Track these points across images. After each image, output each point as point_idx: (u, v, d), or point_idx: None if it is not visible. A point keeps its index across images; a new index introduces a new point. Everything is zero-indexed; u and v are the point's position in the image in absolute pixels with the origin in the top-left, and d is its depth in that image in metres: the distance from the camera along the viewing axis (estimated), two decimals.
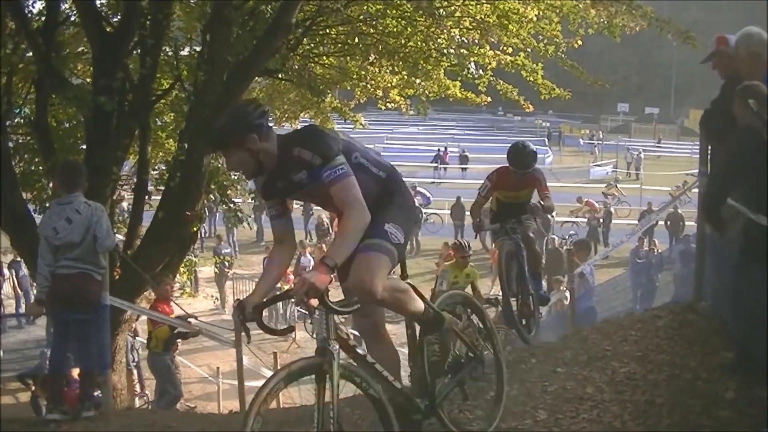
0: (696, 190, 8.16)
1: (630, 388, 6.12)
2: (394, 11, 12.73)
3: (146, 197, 11.81)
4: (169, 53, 12.25)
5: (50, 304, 8.02)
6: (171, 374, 12.41)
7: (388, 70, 14.07)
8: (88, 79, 12.00)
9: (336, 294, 4.46)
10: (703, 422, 5.28)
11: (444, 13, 12.58)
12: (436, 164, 51.62)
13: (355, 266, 4.68)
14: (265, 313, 4.91)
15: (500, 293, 9.79)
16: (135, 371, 15.48)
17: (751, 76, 6.67)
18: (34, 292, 11.63)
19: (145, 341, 13.21)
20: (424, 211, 34.88)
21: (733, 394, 5.59)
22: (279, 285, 23.78)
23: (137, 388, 15.81)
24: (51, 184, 8.93)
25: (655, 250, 22.86)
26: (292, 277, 24.35)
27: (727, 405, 5.46)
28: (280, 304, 23.73)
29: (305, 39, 12.78)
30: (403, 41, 13.03)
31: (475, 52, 13.25)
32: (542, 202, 9.41)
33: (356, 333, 5.40)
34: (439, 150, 53.79)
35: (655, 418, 5.46)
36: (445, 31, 12.70)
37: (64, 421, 7.86)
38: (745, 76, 6.74)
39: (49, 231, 7.84)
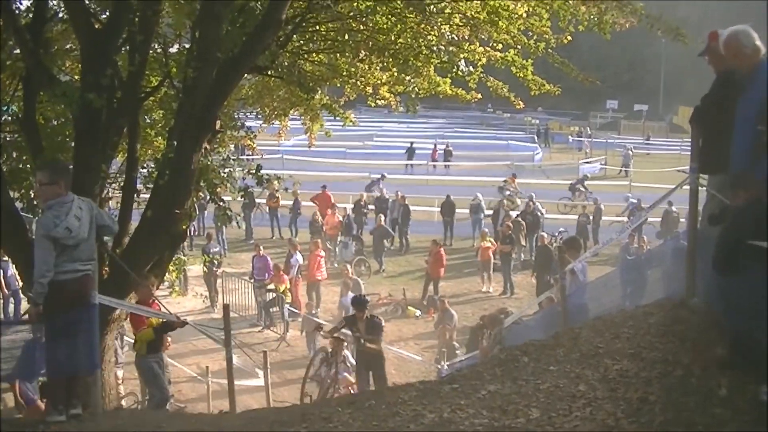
0: (687, 187, 8.16)
1: (623, 385, 6.11)
2: (384, 8, 12.66)
3: (135, 195, 11.74)
4: (159, 50, 12.19)
5: (49, 309, 7.92)
6: (156, 377, 12.30)
7: (378, 67, 14.02)
8: (77, 76, 11.92)
9: None
10: (696, 419, 5.27)
11: (434, 9, 12.55)
12: (407, 161, 51.91)
13: None
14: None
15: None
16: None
17: (740, 71, 6.78)
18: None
19: (132, 342, 13.16)
20: None
21: (727, 390, 5.58)
22: (273, 285, 23.95)
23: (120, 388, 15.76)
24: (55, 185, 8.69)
25: (645, 247, 22.94)
26: (285, 276, 24.50)
27: (720, 402, 5.44)
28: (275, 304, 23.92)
29: (295, 36, 12.72)
30: (393, 38, 12.97)
31: (465, 48, 13.22)
32: None
33: None
34: (411, 144, 54.01)
35: (648, 416, 5.45)
36: (435, 27, 12.66)
37: (53, 422, 7.82)
38: (737, 72, 6.85)
39: (62, 231, 7.76)
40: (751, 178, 6.02)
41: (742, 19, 7.03)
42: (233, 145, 17.20)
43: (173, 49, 12.67)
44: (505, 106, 22.18)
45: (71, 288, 7.82)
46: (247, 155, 22.98)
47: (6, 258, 18.42)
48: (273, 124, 17.21)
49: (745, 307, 5.66)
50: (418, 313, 25.28)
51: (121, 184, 11.78)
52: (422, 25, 12.68)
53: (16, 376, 10.29)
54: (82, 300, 8.01)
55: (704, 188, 7.87)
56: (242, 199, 14.22)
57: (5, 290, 21.81)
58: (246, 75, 12.66)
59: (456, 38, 13.11)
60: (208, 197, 12.22)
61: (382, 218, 31.31)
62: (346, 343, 16.10)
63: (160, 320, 11.74)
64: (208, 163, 11.84)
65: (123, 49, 11.26)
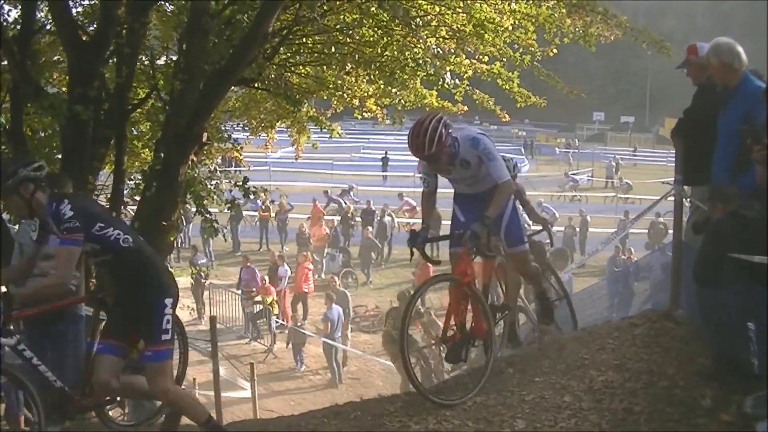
0: (672, 198, 8.21)
1: (608, 396, 6.13)
2: (371, 21, 12.69)
3: (122, 207, 11.72)
4: (146, 62, 12.19)
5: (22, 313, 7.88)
6: None
7: (364, 80, 14.02)
8: (64, 88, 11.92)
9: None
10: (680, 430, 5.30)
11: (420, 22, 12.57)
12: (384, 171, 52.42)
13: None
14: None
15: None
16: None
17: (723, 84, 6.87)
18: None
19: None
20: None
21: (711, 402, 5.61)
22: (261, 297, 23.87)
23: None
24: None
25: (632, 259, 23.02)
26: (273, 288, 24.48)
27: (704, 413, 5.48)
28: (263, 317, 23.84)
29: (282, 48, 12.73)
30: (379, 51, 13.00)
31: (451, 61, 13.24)
32: None
33: None
34: (385, 152, 54.35)
35: (633, 426, 5.47)
36: (421, 40, 12.68)
37: None
38: (719, 84, 6.94)
39: (26, 239, 7.75)
40: (729, 191, 6.08)
41: (727, 32, 7.11)
42: (220, 157, 17.20)
43: (160, 62, 12.68)
44: (492, 118, 22.12)
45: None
46: (220, 167, 22.94)
47: None
48: (260, 136, 17.21)
49: (726, 319, 5.70)
50: None
51: (108, 195, 11.75)
52: (408, 38, 12.70)
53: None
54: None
55: (688, 200, 7.94)
56: (229, 211, 14.16)
57: None
58: (233, 87, 12.67)
59: (442, 51, 13.15)
60: (195, 209, 12.21)
61: (369, 230, 31.29)
62: None
63: None
64: (195, 175, 11.84)
65: (110, 61, 11.26)
